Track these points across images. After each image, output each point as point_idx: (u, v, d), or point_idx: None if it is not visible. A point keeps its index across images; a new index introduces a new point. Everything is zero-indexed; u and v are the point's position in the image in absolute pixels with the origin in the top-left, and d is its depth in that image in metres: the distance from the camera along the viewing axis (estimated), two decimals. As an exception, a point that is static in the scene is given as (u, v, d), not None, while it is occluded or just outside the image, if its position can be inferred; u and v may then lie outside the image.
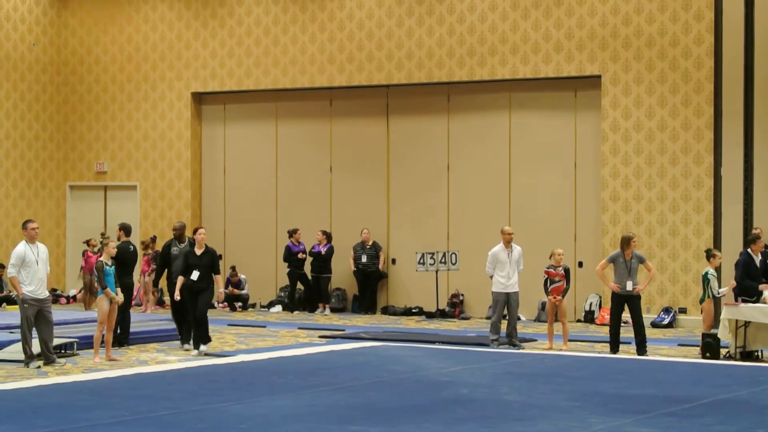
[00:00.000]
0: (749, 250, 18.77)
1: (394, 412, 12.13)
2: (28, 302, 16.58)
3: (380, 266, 26.14)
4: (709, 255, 18.75)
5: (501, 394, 13.44)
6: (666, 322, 23.18)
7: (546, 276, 19.36)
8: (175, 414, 11.94)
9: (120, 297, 17.60)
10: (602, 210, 24.09)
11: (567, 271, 19.37)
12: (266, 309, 27.00)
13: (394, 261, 26.25)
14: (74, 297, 27.02)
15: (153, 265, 26.56)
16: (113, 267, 17.52)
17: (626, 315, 18.69)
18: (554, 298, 19.18)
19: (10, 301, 25.45)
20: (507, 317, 19.53)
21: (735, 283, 18.51)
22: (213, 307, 26.62)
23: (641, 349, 18.27)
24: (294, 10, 26.97)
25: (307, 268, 26.47)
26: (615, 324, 18.46)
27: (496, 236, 20.06)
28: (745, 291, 18.34)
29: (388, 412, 12.19)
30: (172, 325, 21.20)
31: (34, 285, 16.66)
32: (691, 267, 23.30)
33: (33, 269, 16.70)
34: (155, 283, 25.74)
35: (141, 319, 21.70)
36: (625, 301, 18.35)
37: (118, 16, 28.94)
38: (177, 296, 18.38)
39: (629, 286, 18.23)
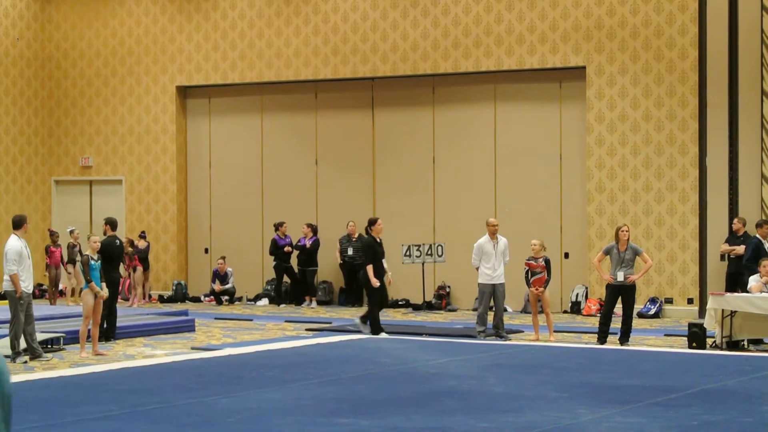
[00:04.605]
0: (758, 234, 20.07)
1: (382, 405, 12.13)
2: (24, 299, 16.48)
3: (366, 259, 26.12)
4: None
5: (489, 386, 13.45)
6: (652, 312, 23.23)
7: (527, 268, 19.37)
8: (163, 408, 11.93)
9: (105, 292, 17.57)
10: (588, 201, 24.12)
11: (548, 262, 19.37)
12: (253, 302, 26.99)
13: (380, 253, 26.23)
14: (61, 292, 26.97)
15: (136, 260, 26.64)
16: (99, 261, 17.48)
17: (618, 307, 18.70)
18: (536, 289, 19.19)
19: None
20: (493, 309, 19.55)
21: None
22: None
23: (623, 338, 18.37)
24: (278, 3, 26.93)
25: (294, 261, 26.47)
26: (606, 314, 18.48)
27: (482, 228, 20.08)
28: (743, 275, 19.21)
29: (376, 404, 12.19)
30: (160, 319, 21.21)
31: (28, 281, 16.57)
32: (677, 257, 23.35)
33: (26, 264, 16.59)
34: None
35: (127, 314, 21.69)
36: (619, 292, 18.37)
37: (103, 10, 28.87)
38: (376, 283, 19.25)
39: (620, 276, 18.25)
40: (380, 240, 19.81)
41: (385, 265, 19.77)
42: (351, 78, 26.32)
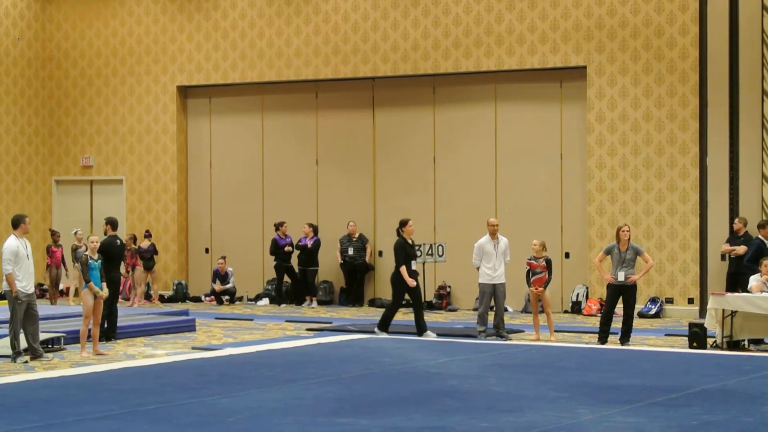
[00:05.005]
0: (760, 235, 20.45)
1: (382, 404, 12.13)
2: (21, 299, 16.45)
3: (367, 259, 26.14)
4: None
5: (489, 385, 13.45)
6: (653, 312, 23.23)
7: (528, 267, 19.37)
8: (163, 408, 11.93)
9: (104, 291, 17.54)
10: (588, 201, 24.11)
11: (549, 262, 19.37)
12: (253, 302, 26.99)
13: (380, 253, 26.25)
14: (62, 291, 26.97)
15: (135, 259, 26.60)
16: (99, 261, 17.45)
17: (619, 307, 18.70)
18: (536, 288, 19.19)
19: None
20: (494, 308, 19.55)
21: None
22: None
23: (624, 338, 18.38)
24: (279, 3, 26.93)
25: (294, 261, 26.46)
26: (607, 314, 18.46)
27: (483, 228, 20.08)
28: (743, 274, 19.28)
29: (376, 403, 12.20)
30: (160, 319, 21.22)
31: (26, 281, 16.51)
32: (677, 257, 23.35)
33: (25, 264, 16.54)
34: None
35: (128, 314, 21.69)
36: (620, 291, 18.37)
37: (103, 10, 28.88)
38: (413, 283, 19.40)
39: (621, 276, 18.24)
40: (412, 241, 19.84)
41: (414, 266, 19.72)
42: (352, 78, 26.32)
